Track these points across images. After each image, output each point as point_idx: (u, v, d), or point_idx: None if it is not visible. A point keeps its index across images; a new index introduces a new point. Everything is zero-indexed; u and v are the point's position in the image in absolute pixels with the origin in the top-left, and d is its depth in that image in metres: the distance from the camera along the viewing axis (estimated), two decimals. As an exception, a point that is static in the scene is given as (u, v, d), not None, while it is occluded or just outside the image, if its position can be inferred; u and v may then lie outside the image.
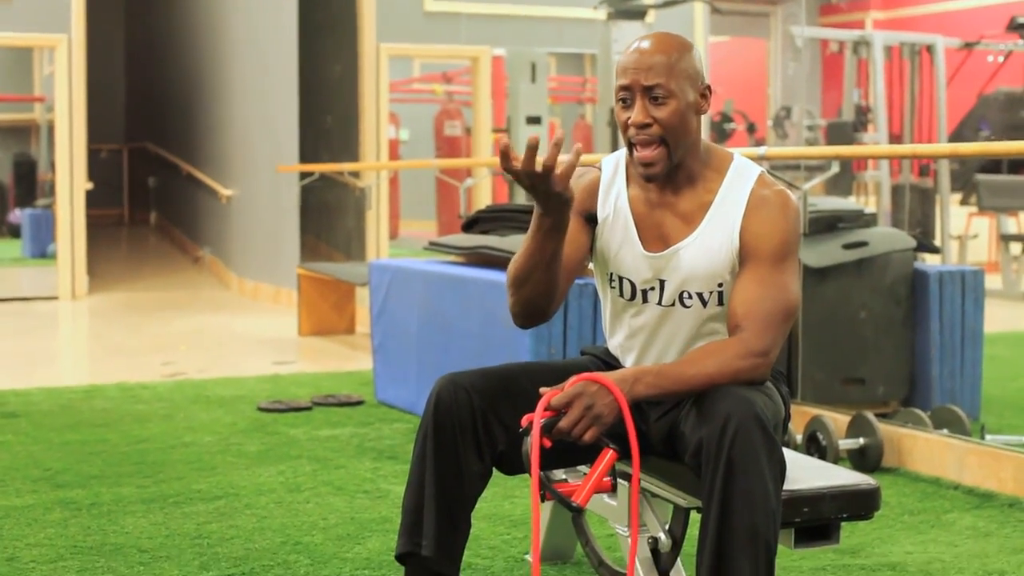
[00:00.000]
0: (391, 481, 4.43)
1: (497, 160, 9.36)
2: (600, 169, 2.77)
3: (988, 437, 4.68)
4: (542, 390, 2.46)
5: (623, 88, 2.59)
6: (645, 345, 2.73)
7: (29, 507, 4.09)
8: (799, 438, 4.69)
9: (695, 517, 2.56)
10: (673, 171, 2.63)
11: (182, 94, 14.82)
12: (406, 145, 11.95)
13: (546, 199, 2.46)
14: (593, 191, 2.74)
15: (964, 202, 10.36)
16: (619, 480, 2.61)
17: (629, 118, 2.58)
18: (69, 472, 4.56)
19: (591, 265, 2.82)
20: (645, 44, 2.60)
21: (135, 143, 18.01)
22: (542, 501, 2.43)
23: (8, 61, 14.15)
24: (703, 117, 2.65)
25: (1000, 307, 9.07)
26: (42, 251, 12.32)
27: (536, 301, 2.62)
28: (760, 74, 13.71)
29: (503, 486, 4.19)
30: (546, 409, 2.42)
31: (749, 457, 2.36)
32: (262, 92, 11.26)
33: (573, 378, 2.47)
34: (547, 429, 2.41)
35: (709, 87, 2.63)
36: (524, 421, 2.44)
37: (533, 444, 2.39)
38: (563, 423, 2.41)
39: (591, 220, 2.73)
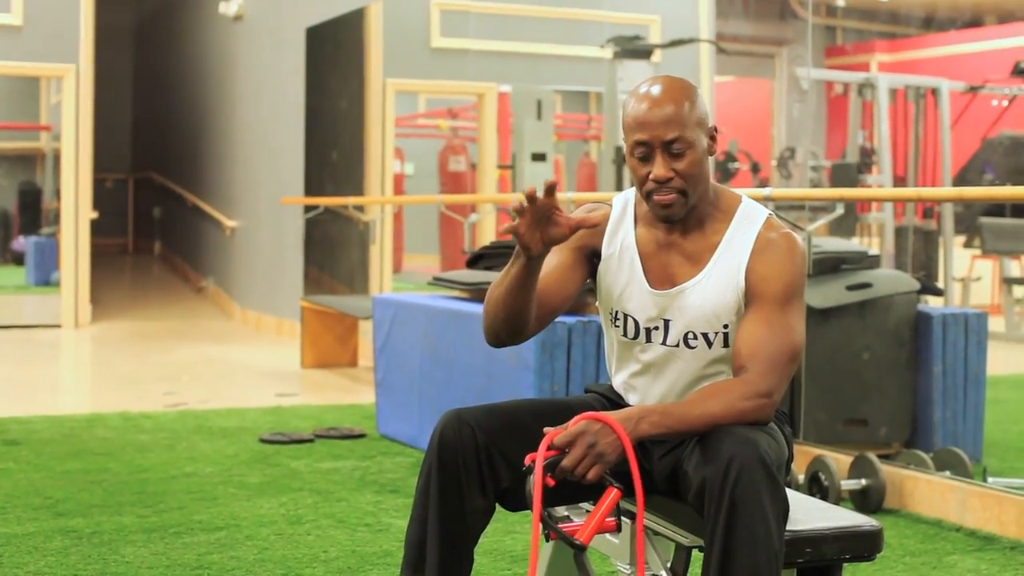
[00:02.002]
0: (392, 515, 4.43)
1: (501, 197, 9.32)
2: (611, 206, 2.78)
3: (990, 480, 4.67)
4: (545, 429, 2.46)
5: (640, 144, 2.59)
6: (649, 384, 2.73)
7: (30, 535, 4.09)
8: (801, 478, 4.69)
9: (697, 556, 2.56)
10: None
11: (188, 125, 14.87)
12: (410, 180, 11.96)
13: (532, 246, 2.49)
14: (600, 228, 2.74)
15: (968, 245, 10.35)
16: (622, 519, 2.61)
17: (649, 172, 2.59)
18: (70, 501, 4.56)
19: (597, 303, 2.83)
20: (656, 92, 2.59)
21: (140, 173, 18.06)
22: (547, 540, 2.42)
23: (15, 90, 14.18)
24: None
25: (1003, 350, 9.07)
26: (46, 279, 12.31)
27: (499, 329, 2.64)
28: (765, 114, 13.75)
29: (505, 521, 4.18)
30: (549, 448, 2.42)
31: (752, 497, 2.36)
32: (268, 125, 11.30)
33: (576, 417, 2.47)
34: (550, 468, 2.41)
35: (715, 128, 2.65)
36: (527, 460, 2.44)
37: (536, 483, 2.39)
38: (566, 462, 2.41)
39: (593, 256, 2.74)
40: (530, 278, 2.56)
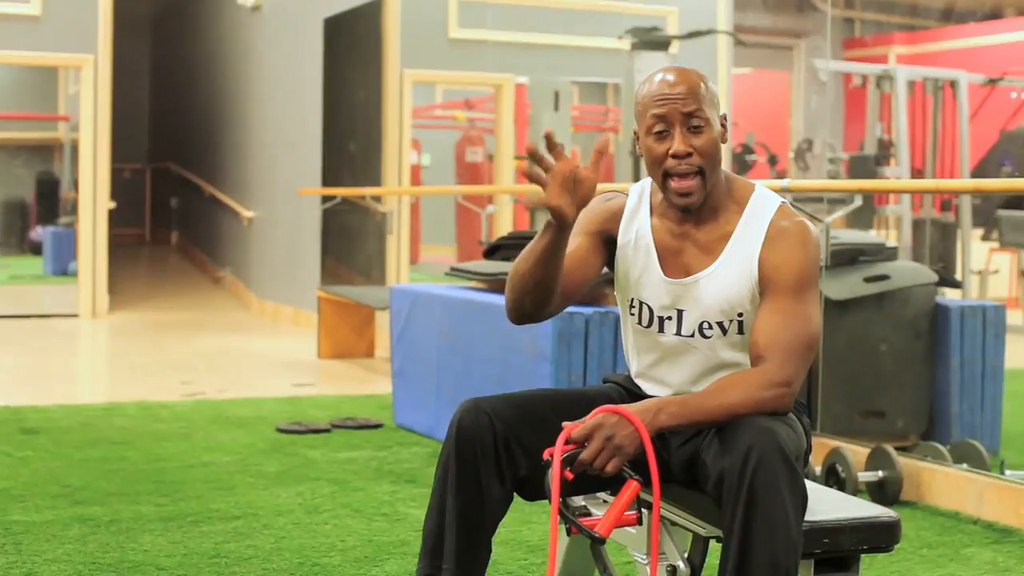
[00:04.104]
0: (409, 504, 4.44)
1: (518, 188, 9.30)
2: (627, 195, 2.78)
3: (1008, 472, 4.66)
4: (563, 424, 2.46)
5: (659, 119, 2.59)
6: (666, 373, 2.73)
7: (48, 523, 4.10)
8: (818, 470, 4.69)
9: (715, 546, 2.56)
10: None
11: (206, 116, 14.89)
12: (427, 171, 11.96)
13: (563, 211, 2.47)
14: (617, 215, 2.74)
15: (985, 238, 10.33)
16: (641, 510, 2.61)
17: (668, 149, 2.58)
18: (88, 489, 4.58)
19: (615, 291, 2.83)
20: (669, 76, 2.61)
21: (158, 163, 18.10)
22: (568, 535, 2.42)
23: (33, 80, 14.23)
24: (724, 148, 2.67)
25: (1021, 343, 9.03)
26: (63, 269, 12.36)
27: (525, 302, 2.61)
28: (782, 106, 13.72)
29: (521, 511, 4.18)
30: (567, 442, 2.42)
31: (771, 488, 2.36)
32: (286, 115, 11.31)
33: (594, 410, 2.46)
34: (568, 462, 2.41)
35: (725, 116, 2.65)
36: (546, 454, 2.44)
37: (554, 477, 2.38)
38: (584, 455, 2.40)
39: (610, 242, 2.74)
40: (560, 249, 2.54)
